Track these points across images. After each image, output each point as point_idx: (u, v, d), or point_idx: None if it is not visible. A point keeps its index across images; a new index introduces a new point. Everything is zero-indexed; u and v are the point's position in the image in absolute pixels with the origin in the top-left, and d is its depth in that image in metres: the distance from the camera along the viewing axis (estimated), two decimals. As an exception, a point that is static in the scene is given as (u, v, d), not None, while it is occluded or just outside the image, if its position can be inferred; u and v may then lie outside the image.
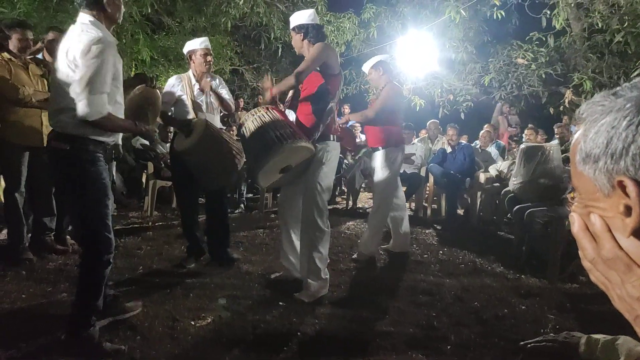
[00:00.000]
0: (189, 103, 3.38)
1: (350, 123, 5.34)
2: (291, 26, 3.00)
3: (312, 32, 2.94)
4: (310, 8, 8.77)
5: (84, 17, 2.09)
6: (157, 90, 2.61)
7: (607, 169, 0.53)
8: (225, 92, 3.55)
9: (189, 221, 3.51)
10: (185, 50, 3.49)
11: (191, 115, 3.37)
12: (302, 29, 2.94)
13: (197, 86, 3.43)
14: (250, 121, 2.76)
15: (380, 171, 3.79)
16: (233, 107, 3.71)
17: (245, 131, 2.77)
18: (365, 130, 4.21)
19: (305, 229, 2.91)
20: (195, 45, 3.42)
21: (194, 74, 3.45)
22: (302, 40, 2.95)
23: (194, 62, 3.43)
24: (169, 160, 4.25)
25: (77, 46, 1.98)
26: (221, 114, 3.67)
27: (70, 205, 2.40)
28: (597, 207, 0.56)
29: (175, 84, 3.44)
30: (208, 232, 3.59)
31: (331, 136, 2.96)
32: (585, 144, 0.55)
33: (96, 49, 1.96)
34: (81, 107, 1.96)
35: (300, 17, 2.96)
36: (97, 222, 2.09)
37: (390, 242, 4.13)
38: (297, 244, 3.09)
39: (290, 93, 3.11)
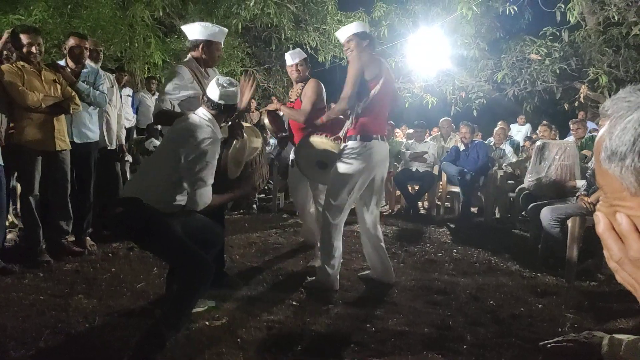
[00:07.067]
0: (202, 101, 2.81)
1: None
2: (349, 34, 3.02)
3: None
4: (321, 8, 8.77)
5: (205, 113, 2.27)
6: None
7: (635, 167, 0.51)
8: None
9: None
10: (198, 35, 2.84)
11: None
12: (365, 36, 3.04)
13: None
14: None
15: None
16: None
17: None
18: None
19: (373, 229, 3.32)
20: (216, 35, 2.86)
21: (200, 66, 2.88)
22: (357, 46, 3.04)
23: (204, 54, 2.86)
24: None
25: (191, 140, 2.12)
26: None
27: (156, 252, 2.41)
28: (623, 206, 0.54)
29: (187, 77, 2.78)
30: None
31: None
32: (610, 141, 0.54)
33: (209, 145, 2.14)
34: (191, 199, 2.16)
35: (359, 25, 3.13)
36: (185, 254, 2.10)
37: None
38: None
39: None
